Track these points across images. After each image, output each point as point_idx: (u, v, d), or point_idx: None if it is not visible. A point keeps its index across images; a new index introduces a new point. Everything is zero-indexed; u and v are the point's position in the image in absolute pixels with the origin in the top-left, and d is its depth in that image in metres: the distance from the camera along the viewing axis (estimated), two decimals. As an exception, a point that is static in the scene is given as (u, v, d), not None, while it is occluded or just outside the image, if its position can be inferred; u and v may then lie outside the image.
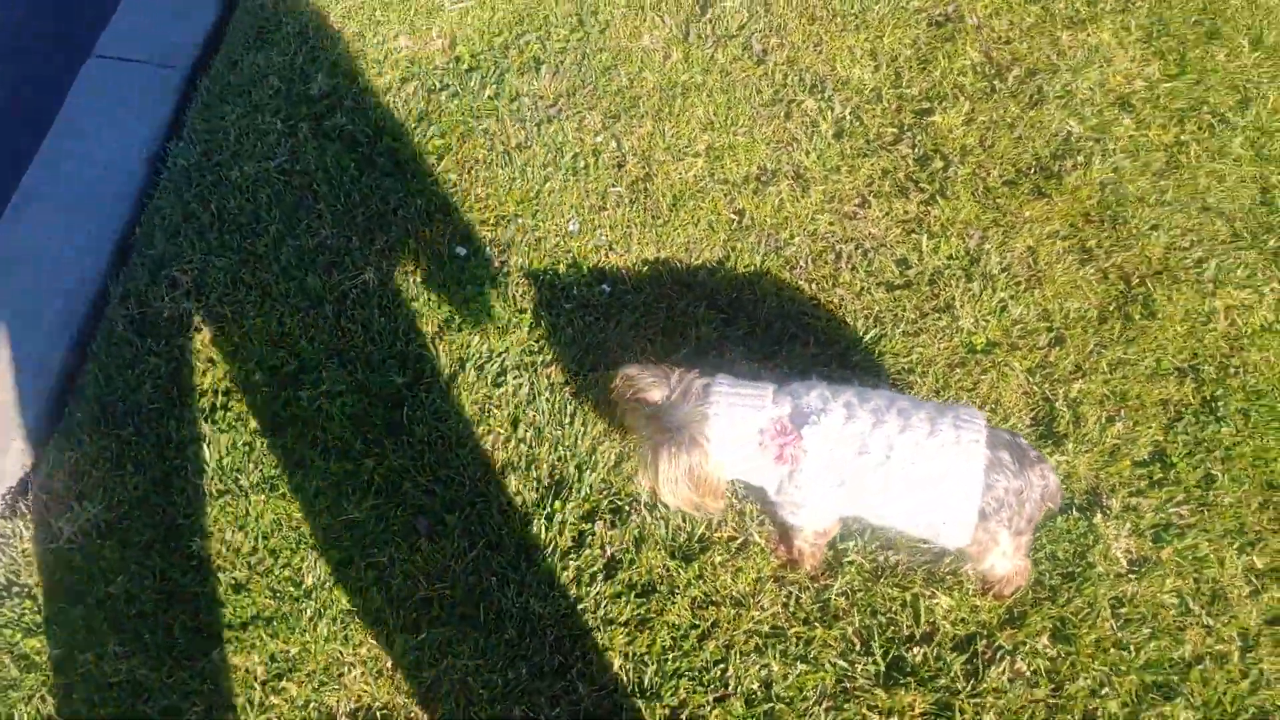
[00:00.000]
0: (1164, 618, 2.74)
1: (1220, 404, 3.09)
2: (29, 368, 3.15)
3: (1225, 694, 2.64)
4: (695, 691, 2.64)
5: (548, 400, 3.04)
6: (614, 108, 3.68)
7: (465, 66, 3.79)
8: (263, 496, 2.91)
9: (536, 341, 3.17)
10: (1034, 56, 3.87)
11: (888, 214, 3.46)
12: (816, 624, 2.72)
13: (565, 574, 2.78)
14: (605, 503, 2.89)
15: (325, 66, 3.77)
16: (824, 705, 2.61)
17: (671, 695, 2.64)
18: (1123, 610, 2.75)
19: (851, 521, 2.74)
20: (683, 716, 2.61)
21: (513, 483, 2.92)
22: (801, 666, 2.66)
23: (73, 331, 3.24)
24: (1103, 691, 2.64)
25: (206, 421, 3.03)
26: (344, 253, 3.35)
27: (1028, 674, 2.67)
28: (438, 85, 3.74)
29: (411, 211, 3.44)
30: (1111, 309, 3.28)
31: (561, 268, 3.33)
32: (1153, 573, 2.80)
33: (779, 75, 3.80)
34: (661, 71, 3.78)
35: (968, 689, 2.63)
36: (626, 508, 2.88)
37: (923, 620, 2.73)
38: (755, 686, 2.64)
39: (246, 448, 2.99)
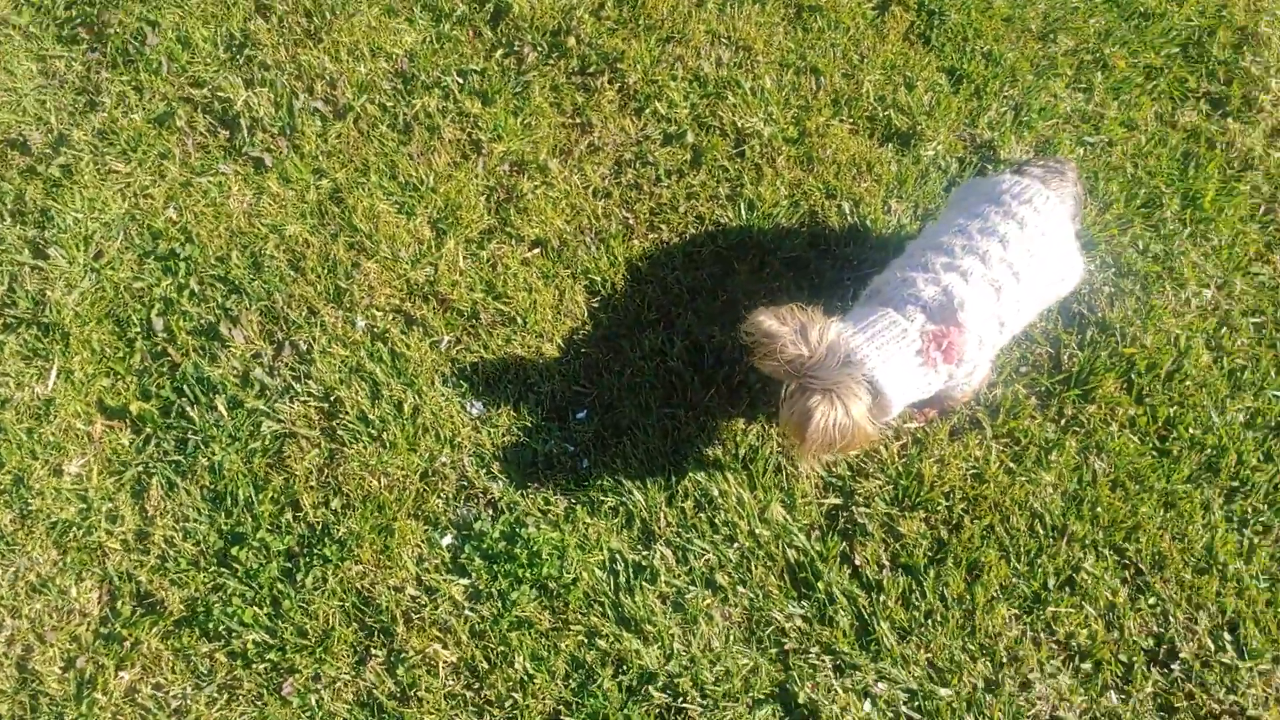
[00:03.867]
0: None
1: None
2: None
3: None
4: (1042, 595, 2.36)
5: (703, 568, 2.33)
6: (339, 291, 2.58)
7: (160, 426, 2.43)
8: None
9: (616, 525, 2.36)
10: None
11: (607, 119, 2.86)
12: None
13: None
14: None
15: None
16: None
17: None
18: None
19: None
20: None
21: (743, 660, 2.27)
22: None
23: None
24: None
25: None
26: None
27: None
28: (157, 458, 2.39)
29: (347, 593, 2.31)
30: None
31: (530, 441, 2.45)
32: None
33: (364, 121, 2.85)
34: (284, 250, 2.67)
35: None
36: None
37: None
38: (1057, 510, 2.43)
39: None
